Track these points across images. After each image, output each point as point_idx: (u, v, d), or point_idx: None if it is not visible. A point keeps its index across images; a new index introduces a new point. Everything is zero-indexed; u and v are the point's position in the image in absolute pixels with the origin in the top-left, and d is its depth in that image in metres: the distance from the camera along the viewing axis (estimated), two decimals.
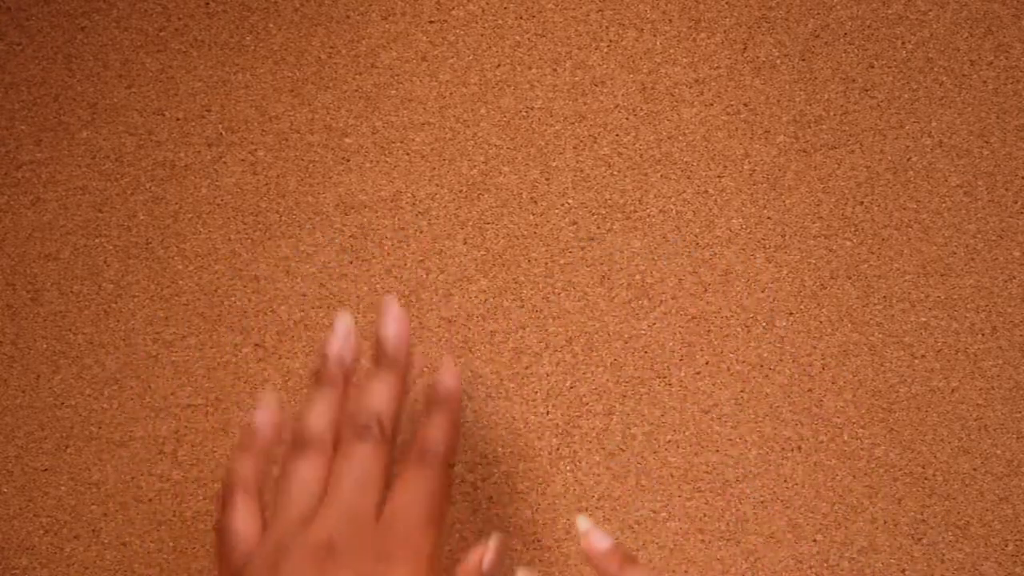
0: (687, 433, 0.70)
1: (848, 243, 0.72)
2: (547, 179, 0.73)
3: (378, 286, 0.72)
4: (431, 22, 0.75)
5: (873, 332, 0.71)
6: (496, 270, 0.72)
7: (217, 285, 0.72)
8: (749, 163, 0.73)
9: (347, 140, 0.74)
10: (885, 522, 0.69)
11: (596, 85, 0.74)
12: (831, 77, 0.74)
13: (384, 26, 0.75)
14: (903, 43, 0.74)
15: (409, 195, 0.73)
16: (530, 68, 0.75)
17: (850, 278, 0.72)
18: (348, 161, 0.74)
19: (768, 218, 0.72)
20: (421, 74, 0.75)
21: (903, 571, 0.68)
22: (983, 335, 0.71)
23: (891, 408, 0.70)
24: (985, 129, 0.73)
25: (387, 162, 0.74)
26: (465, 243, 0.72)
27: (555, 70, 0.74)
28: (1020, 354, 0.70)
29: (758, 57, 0.74)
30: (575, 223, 0.73)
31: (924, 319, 0.71)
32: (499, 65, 0.75)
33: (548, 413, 0.70)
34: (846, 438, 0.70)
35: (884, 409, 0.70)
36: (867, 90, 0.74)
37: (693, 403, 0.70)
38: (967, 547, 0.68)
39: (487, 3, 0.75)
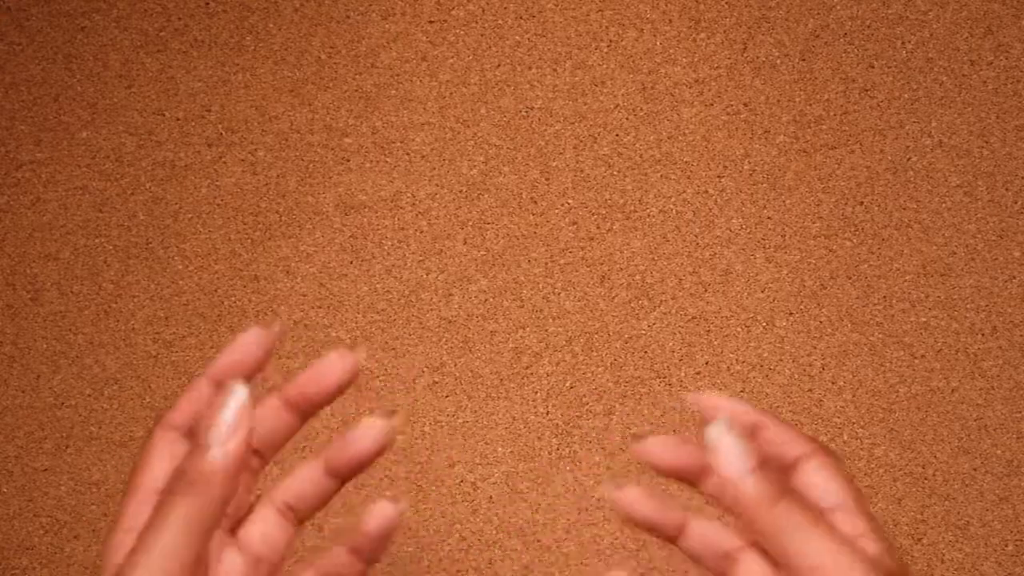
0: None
1: (848, 243, 0.72)
2: (547, 179, 0.73)
3: (378, 286, 0.72)
4: (431, 22, 0.75)
5: (873, 332, 0.71)
6: (496, 270, 0.72)
7: (217, 285, 0.72)
8: (749, 163, 0.73)
9: (347, 140, 0.74)
10: (885, 522, 0.69)
11: (596, 85, 0.74)
12: (831, 77, 0.74)
13: (384, 26, 0.75)
14: (903, 43, 0.74)
15: (409, 195, 0.73)
16: (530, 68, 0.75)
17: (850, 278, 0.72)
18: (348, 161, 0.74)
19: (768, 218, 0.72)
20: (421, 74, 0.75)
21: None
22: (983, 335, 0.71)
23: (891, 408, 0.70)
24: (985, 129, 0.73)
25: (387, 162, 0.74)
26: (465, 243, 0.72)
27: (555, 70, 0.74)
28: (1020, 354, 0.70)
29: (758, 57, 0.74)
30: (575, 223, 0.73)
31: (924, 319, 0.71)
32: (499, 65, 0.75)
33: (548, 413, 0.70)
34: (846, 438, 0.70)
35: (884, 409, 0.70)
36: (867, 90, 0.74)
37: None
38: (967, 547, 0.68)
39: (487, 3, 0.75)
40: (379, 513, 0.43)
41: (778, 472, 0.41)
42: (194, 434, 0.41)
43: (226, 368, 0.42)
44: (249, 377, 0.43)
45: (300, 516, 0.43)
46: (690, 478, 0.44)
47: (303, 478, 0.43)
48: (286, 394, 0.43)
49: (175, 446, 0.41)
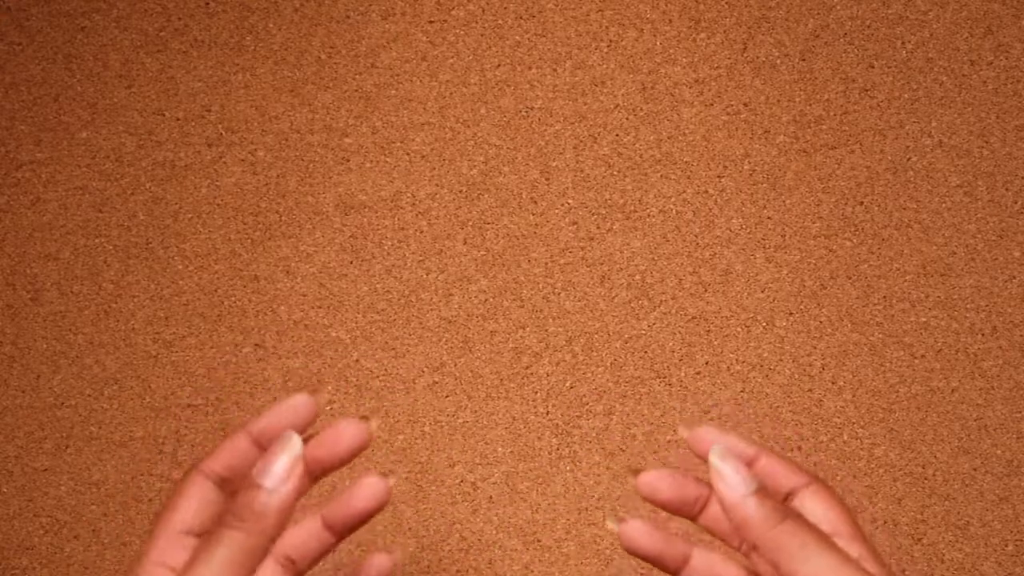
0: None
1: (848, 243, 0.72)
2: (547, 179, 0.73)
3: (378, 286, 0.72)
4: (431, 22, 0.75)
5: (873, 332, 0.71)
6: (496, 270, 0.72)
7: (217, 285, 0.72)
8: (749, 163, 0.73)
9: (347, 140, 0.74)
10: (885, 522, 0.69)
11: (596, 85, 0.74)
12: (831, 77, 0.74)
13: (384, 26, 0.75)
14: (903, 43, 0.74)
15: (409, 195, 0.73)
16: (530, 68, 0.75)
17: (850, 278, 0.72)
18: (348, 161, 0.74)
19: (768, 218, 0.72)
20: (421, 74, 0.74)
21: (903, 571, 0.68)
22: (983, 335, 0.71)
23: (891, 408, 0.70)
24: (985, 129, 0.73)
25: (387, 162, 0.74)
26: (465, 243, 0.72)
27: (555, 70, 0.74)
28: (1020, 354, 0.70)
29: (758, 57, 0.74)
30: (575, 223, 0.72)
31: (924, 319, 0.71)
32: (499, 65, 0.75)
33: (548, 413, 0.70)
34: (846, 438, 0.70)
35: (884, 409, 0.70)
36: (867, 90, 0.74)
37: (693, 403, 0.70)
38: (967, 547, 0.68)
39: (487, 3, 0.75)
40: (376, 564, 0.43)
41: (778, 497, 0.41)
42: (244, 478, 0.42)
43: (268, 428, 0.43)
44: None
45: (299, 568, 0.44)
46: (687, 511, 0.43)
47: (303, 531, 0.43)
48: None
49: (206, 491, 0.42)
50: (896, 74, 0.74)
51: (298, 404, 0.43)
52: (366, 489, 0.43)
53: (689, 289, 0.71)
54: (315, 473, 0.44)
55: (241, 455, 0.42)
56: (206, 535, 0.40)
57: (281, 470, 0.40)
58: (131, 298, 0.72)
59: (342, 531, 0.44)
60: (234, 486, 0.43)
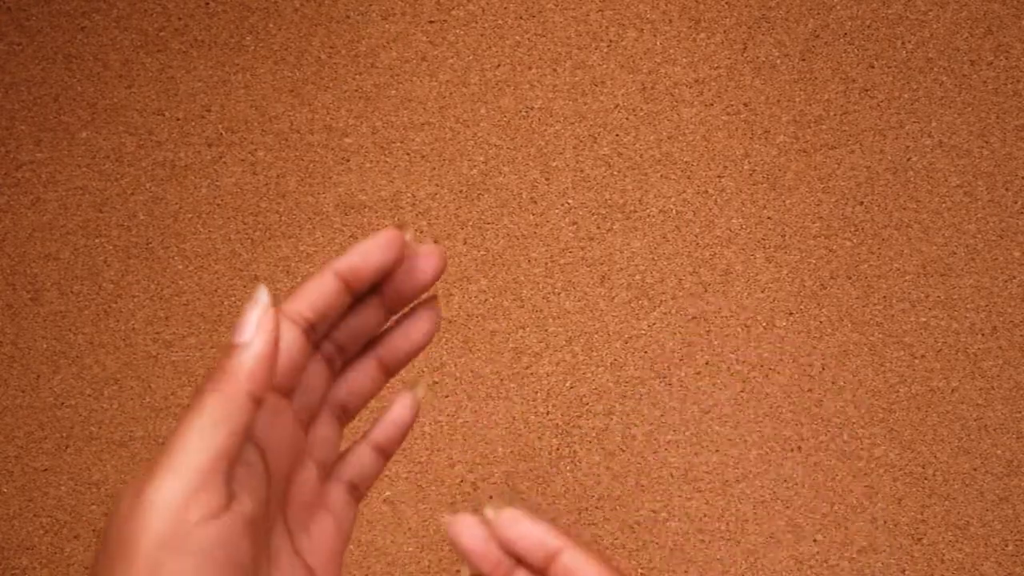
0: (687, 433, 0.70)
1: (848, 243, 0.72)
2: (547, 179, 0.73)
3: None
4: (431, 22, 0.75)
5: (873, 332, 0.71)
6: (496, 270, 0.72)
7: (217, 285, 0.72)
8: (749, 163, 0.73)
9: (347, 140, 0.74)
10: (885, 522, 0.69)
11: (596, 85, 0.74)
12: (831, 77, 0.74)
13: (384, 26, 0.75)
14: (903, 43, 0.74)
15: (409, 195, 0.73)
16: (530, 68, 0.75)
17: (850, 278, 0.72)
18: (348, 161, 0.74)
19: (768, 218, 0.72)
20: (421, 74, 0.74)
21: (903, 571, 0.68)
22: (983, 335, 0.71)
23: (891, 408, 0.70)
24: (985, 129, 0.73)
25: (387, 162, 0.74)
26: (465, 243, 0.72)
27: (555, 70, 0.74)
28: (1020, 354, 0.70)
29: (758, 57, 0.74)
30: (575, 223, 0.72)
31: (924, 319, 0.71)
32: (499, 65, 0.75)
33: (548, 413, 0.70)
34: (846, 438, 0.70)
35: (884, 409, 0.70)
36: (867, 90, 0.74)
37: (693, 403, 0.70)
38: (967, 547, 0.68)
39: (487, 3, 0.75)
40: (400, 403, 0.44)
41: None
42: (332, 323, 0.41)
43: (357, 267, 0.41)
44: (376, 281, 0.42)
45: (352, 414, 0.44)
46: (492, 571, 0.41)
47: (357, 375, 0.43)
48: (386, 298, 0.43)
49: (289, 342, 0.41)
50: (896, 74, 0.74)
51: (386, 240, 0.41)
52: (424, 322, 0.42)
53: (689, 289, 0.71)
54: (395, 307, 0.43)
55: (328, 297, 0.41)
56: (185, 407, 0.39)
57: (251, 323, 0.39)
58: (131, 298, 0.72)
59: (394, 370, 0.43)
60: (318, 335, 0.42)
